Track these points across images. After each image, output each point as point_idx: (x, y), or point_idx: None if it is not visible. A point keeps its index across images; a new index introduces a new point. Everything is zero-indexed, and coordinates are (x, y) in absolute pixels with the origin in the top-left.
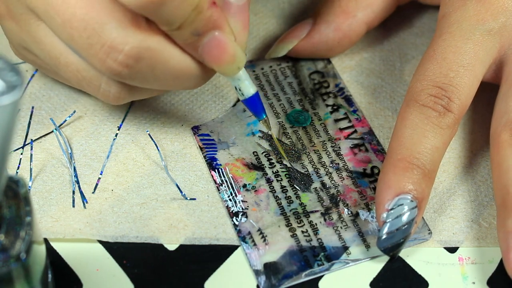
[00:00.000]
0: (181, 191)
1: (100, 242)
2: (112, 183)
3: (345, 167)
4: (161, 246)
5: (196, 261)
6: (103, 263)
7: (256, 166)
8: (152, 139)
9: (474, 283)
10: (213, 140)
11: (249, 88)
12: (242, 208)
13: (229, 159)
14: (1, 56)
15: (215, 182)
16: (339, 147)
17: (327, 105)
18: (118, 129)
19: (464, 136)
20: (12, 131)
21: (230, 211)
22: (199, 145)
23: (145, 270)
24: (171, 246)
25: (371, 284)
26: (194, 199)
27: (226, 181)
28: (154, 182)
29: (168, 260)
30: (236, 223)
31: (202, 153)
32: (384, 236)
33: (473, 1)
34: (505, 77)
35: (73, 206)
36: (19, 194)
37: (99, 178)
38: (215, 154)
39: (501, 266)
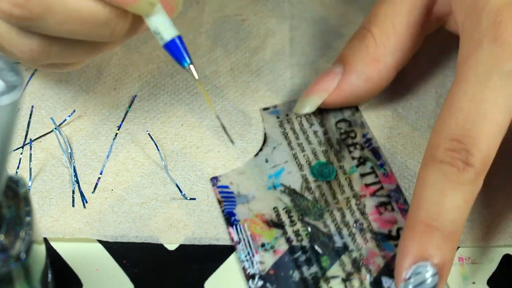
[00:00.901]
0: (181, 191)
1: (100, 242)
2: (112, 183)
3: (370, 227)
4: (161, 246)
5: (196, 261)
6: (103, 263)
7: (276, 224)
8: (152, 139)
9: (474, 283)
10: (232, 193)
11: (169, 30)
12: (259, 271)
13: (248, 214)
14: (1, 56)
15: (232, 240)
16: (364, 205)
17: (353, 158)
18: (118, 129)
19: None
20: (12, 131)
21: (247, 272)
22: (217, 198)
23: (145, 270)
24: (171, 246)
25: (371, 284)
26: (194, 199)
27: (244, 239)
28: (154, 182)
29: (168, 260)
30: (252, 286)
31: (220, 207)
32: None
33: (489, 42)
34: None
35: (73, 205)
36: (19, 194)
37: (99, 178)
38: (234, 208)
39: (501, 266)
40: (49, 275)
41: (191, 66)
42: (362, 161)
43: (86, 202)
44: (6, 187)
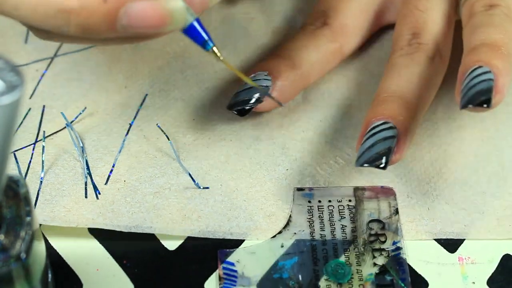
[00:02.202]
0: (194, 180)
1: (100, 242)
2: (124, 174)
3: None
4: (161, 246)
5: (196, 261)
6: (103, 263)
7: None
8: (162, 131)
9: (474, 283)
10: (235, 272)
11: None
12: None
13: None
14: (1, 56)
15: None
16: None
17: (375, 264)
18: (130, 126)
19: (474, 124)
20: (13, 131)
21: None
22: (219, 274)
23: (145, 270)
24: (172, 246)
25: (371, 283)
26: (207, 187)
27: None
28: (166, 171)
29: (168, 260)
30: None
31: (219, 284)
32: None
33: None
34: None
35: (86, 197)
36: (19, 194)
37: (112, 170)
38: None
39: (501, 266)
40: (49, 275)
41: (215, 48)
42: (383, 270)
43: (99, 193)
44: (6, 187)
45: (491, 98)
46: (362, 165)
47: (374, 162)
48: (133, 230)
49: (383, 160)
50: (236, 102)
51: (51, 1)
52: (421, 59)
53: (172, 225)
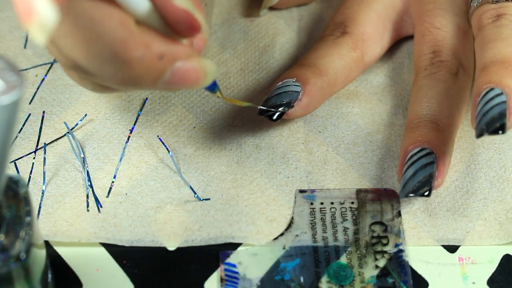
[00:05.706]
0: (195, 193)
1: (101, 242)
2: (125, 187)
3: None
4: (161, 246)
5: (196, 261)
6: (103, 263)
7: None
8: (164, 144)
9: (474, 283)
10: (237, 273)
11: None
12: None
13: None
14: (1, 56)
15: None
16: None
17: (377, 267)
18: (130, 132)
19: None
20: (12, 131)
21: None
22: (220, 275)
23: (145, 270)
24: (171, 246)
25: (373, 285)
26: (208, 199)
27: None
28: (168, 185)
29: (168, 260)
30: None
31: (221, 286)
32: None
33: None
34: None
35: (88, 210)
36: (19, 194)
37: (113, 182)
38: None
39: (501, 266)
40: (49, 275)
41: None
42: (385, 273)
43: (101, 206)
44: (6, 187)
45: (505, 123)
46: (407, 196)
47: (418, 191)
48: (135, 244)
49: (427, 188)
50: (266, 108)
51: (110, 44)
52: (446, 77)
53: (174, 237)
